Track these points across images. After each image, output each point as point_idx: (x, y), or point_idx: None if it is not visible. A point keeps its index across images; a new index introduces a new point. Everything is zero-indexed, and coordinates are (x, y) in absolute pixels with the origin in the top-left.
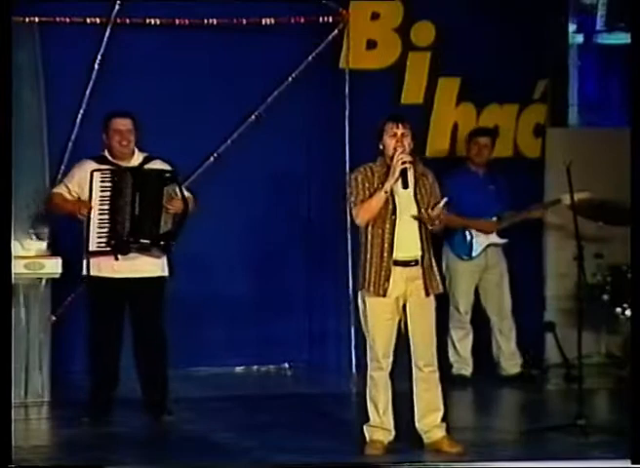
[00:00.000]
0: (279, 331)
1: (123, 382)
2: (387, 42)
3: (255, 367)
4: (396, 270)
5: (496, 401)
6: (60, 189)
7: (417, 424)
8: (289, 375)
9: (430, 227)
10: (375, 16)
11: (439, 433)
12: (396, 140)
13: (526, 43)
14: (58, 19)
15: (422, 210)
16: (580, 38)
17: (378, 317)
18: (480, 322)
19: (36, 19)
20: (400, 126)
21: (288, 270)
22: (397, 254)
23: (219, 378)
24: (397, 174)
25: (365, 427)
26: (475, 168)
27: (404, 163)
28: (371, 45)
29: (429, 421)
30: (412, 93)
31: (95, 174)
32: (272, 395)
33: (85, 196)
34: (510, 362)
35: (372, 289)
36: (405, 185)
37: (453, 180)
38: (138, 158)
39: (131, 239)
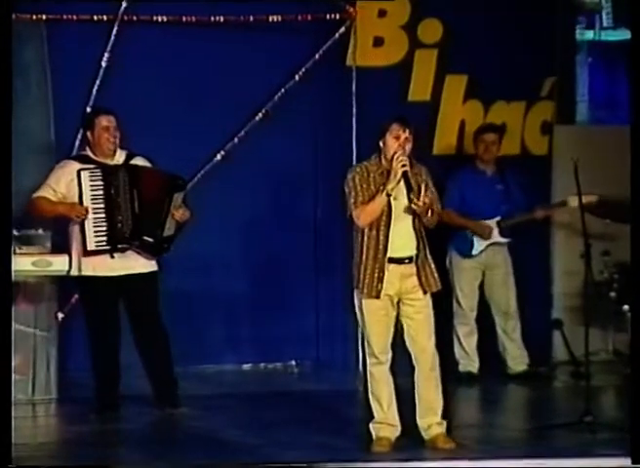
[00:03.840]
0: (286, 329)
1: (130, 379)
2: (394, 39)
3: (262, 364)
4: (390, 267)
5: (503, 398)
6: (45, 192)
7: (418, 421)
8: (296, 373)
9: (425, 221)
10: (382, 13)
11: (437, 430)
12: (399, 144)
13: (533, 40)
14: (65, 16)
15: (414, 200)
16: (587, 35)
17: (372, 315)
18: (487, 318)
19: (43, 17)
20: (407, 130)
21: (295, 268)
22: (391, 254)
23: (226, 376)
24: (399, 176)
25: (371, 425)
26: (483, 166)
27: (404, 165)
28: (378, 42)
29: (429, 420)
30: (419, 90)
31: (82, 173)
32: (279, 392)
33: (72, 197)
34: (516, 360)
35: (365, 290)
36: (409, 188)
37: (458, 179)
38: (121, 155)
39: (134, 237)
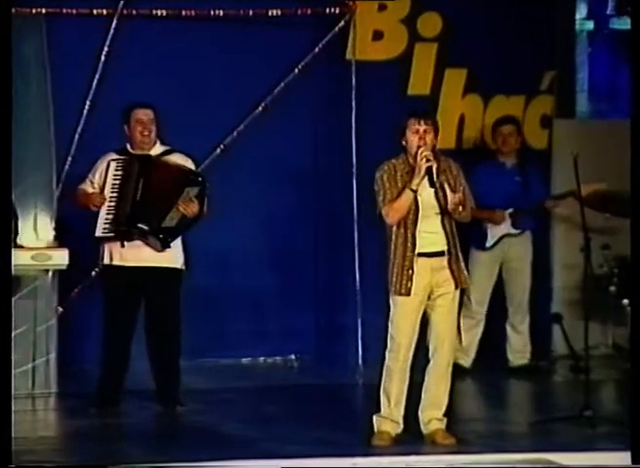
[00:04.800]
0: (286, 323)
1: (132, 373)
2: (394, 33)
3: (261, 358)
4: (419, 261)
5: (501, 392)
6: (84, 184)
7: (419, 414)
8: (295, 367)
9: (457, 217)
10: (381, 7)
11: (437, 425)
12: (419, 137)
13: (533, 33)
14: (64, 10)
15: (443, 204)
16: (587, 25)
17: (401, 311)
18: (492, 313)
19: (43, 11)
20: (422, 122)
21: (295, 262)
22: (420, 250)
23: (225, 370)
24: (423, 172)
25: (374, 417)
26: (503, 158)
27: (428, 161)
28: (377, 36)
29: (431, 414)
30: (418, 84)
31: (111, 163)
32: (279, 386)
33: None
34: (518, 354)
35: (394, 288)
36: (432, 184)
37: (476, 171)
38: (158, 149)
39: (130, 224)
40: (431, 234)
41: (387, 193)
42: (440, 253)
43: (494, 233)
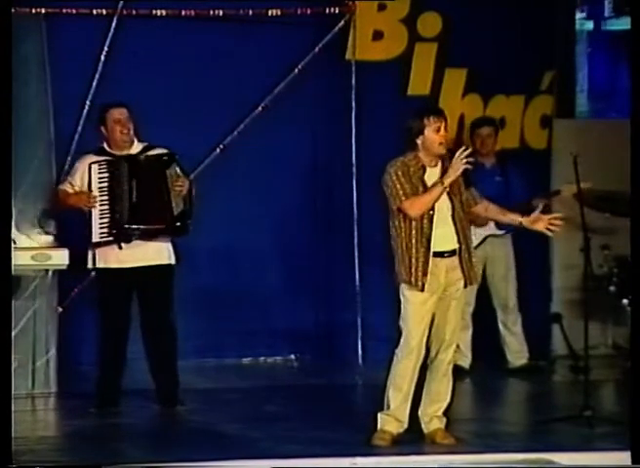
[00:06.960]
0: (286, 323)
1: (131, 373)
2: (394, 33)
3: (262, 358)
4: (435, 261)
5: (501, 392)
6: (64, 185)
7: (419, 413)
8: (295, 367)
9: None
10: (381, 6)
11: (437, 424)
12: (441, 135)
13: (533, 33)
14: (64, 10)
15: (458, 206)
16: (587, 25)
17: (416, 308)
18: (485, 314)
19: (42, 11)
20: (442, 118)
21: (295, 262)
22: (434, 248)
23: (225, 370)
24: (459, 171)
25: (379, 415)
26: (481, 159)
27: (467, 163)
28: (377, 36)
29: (431, 411)
30: (418, 84)
31: (92, 166)
32: (279, 386)
33: (86, 189)
34: (516, 354)
35: (410, 282)
36: (467, 185)
37: None
38: (137, 147)
39: (131, 226)
40: (443, 232)
41: (406, 187)
42: (453, 252)
43: (477, 234)
